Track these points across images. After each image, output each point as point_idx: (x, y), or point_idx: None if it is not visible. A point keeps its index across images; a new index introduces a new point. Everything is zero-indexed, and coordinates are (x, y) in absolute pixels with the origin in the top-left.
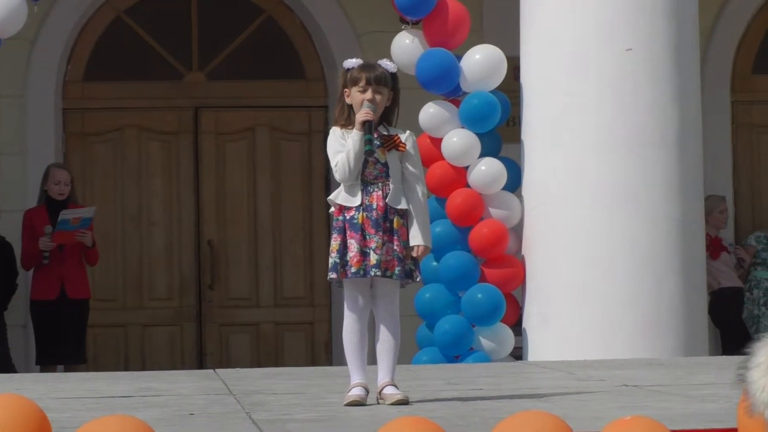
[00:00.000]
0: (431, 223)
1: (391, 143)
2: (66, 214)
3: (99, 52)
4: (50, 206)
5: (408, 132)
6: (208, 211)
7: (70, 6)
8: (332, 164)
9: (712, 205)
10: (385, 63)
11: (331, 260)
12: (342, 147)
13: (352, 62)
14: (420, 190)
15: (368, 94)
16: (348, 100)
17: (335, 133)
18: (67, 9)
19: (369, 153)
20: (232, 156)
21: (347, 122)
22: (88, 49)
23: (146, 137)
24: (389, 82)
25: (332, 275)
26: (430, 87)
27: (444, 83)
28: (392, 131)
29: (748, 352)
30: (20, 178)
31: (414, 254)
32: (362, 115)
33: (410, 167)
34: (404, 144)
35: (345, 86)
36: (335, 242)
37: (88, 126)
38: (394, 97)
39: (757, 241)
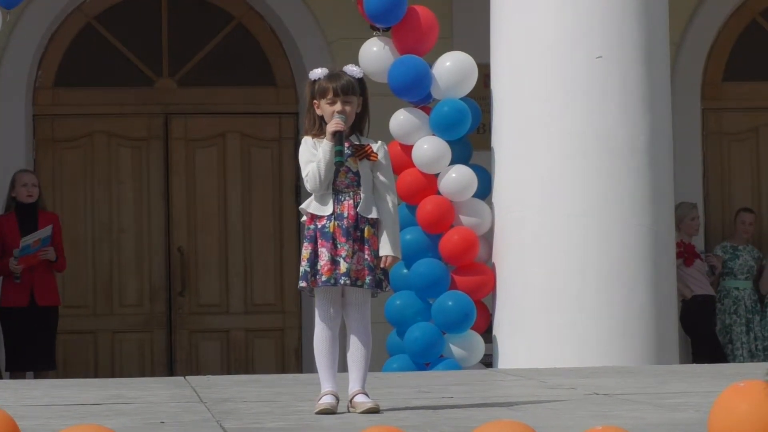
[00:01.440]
0: (402, 230)
1: (363, 152)
2: (26, 240)
3: (69, 58)
4: (20, 212)
5: (380, 142)
6: (178, 218)
7: (41, 12)
8: (303, 174)
9: (684, 212)
10: (350, 69)
11: (301, 269)
12: (313, 157)
13: (317, 73)
14: (390, 200)
15: (337, 106)
16: (318, 112)
17: (307, 143)
18: (37, 15)
19: (339, 164)
20: (202, 162)
21: (319, 132)
22: (59, 56)
23: (116, 143)
24: (357, 90)
25: (302, 284)
26: (403, 94)
27: (417, 90)
28: (364, 141)
29: None
30: None
31: (383, 264)
32: (333, 125)
33: (381, 177)
34: (376, 154)
35: (313, 97)
36: (306, 251)
37: (58, 132)
38: (364, 102)
39: (724, 251)
